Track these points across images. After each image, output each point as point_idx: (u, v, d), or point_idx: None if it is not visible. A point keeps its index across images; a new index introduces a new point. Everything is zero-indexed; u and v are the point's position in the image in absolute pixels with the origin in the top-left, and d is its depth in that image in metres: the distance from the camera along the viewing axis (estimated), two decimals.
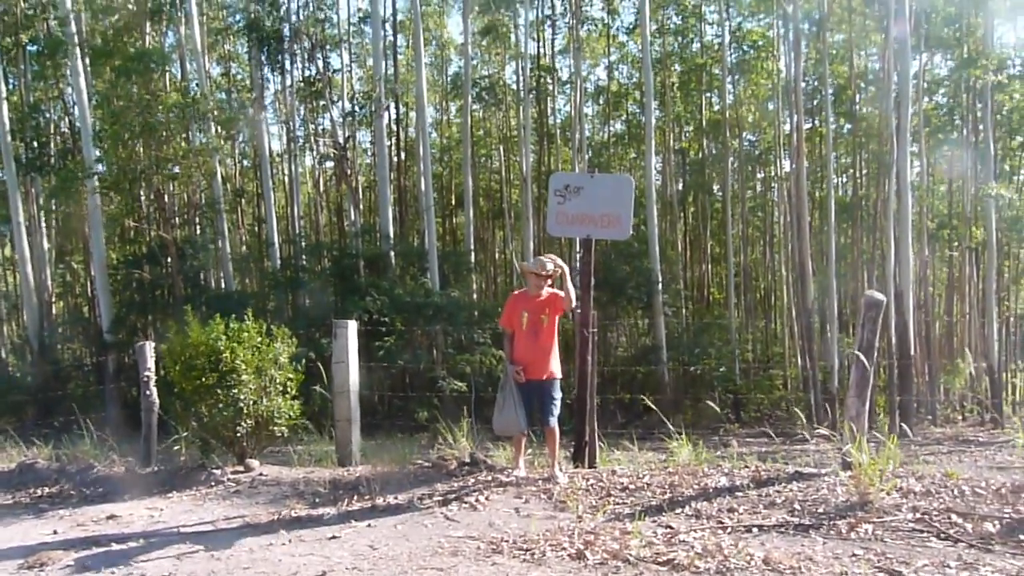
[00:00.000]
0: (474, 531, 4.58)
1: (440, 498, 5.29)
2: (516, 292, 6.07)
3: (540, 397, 5.60)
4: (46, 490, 6.55)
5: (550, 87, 26.67)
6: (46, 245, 20.64)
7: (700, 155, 27.11)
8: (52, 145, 20.81)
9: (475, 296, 22.32)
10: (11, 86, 20.09)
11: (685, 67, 26.14)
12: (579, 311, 6.02)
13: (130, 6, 18.98)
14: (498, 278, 29.75)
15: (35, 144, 19.76)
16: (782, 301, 26.53)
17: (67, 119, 22.75)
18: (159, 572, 4.22)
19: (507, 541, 4.33)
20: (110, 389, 16.02)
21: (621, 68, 29.13)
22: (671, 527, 4.41)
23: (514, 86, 27.33)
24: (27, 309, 19.17)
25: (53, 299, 21.41)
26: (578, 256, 21.16)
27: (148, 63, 17.37)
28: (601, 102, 28.96)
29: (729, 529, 4.32)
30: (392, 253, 18.59)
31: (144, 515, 5.45)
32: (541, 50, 26.15)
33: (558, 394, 5.69)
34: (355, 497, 5.49)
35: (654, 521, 4.55)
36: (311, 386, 7.99)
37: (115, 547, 4.73)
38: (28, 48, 19.84)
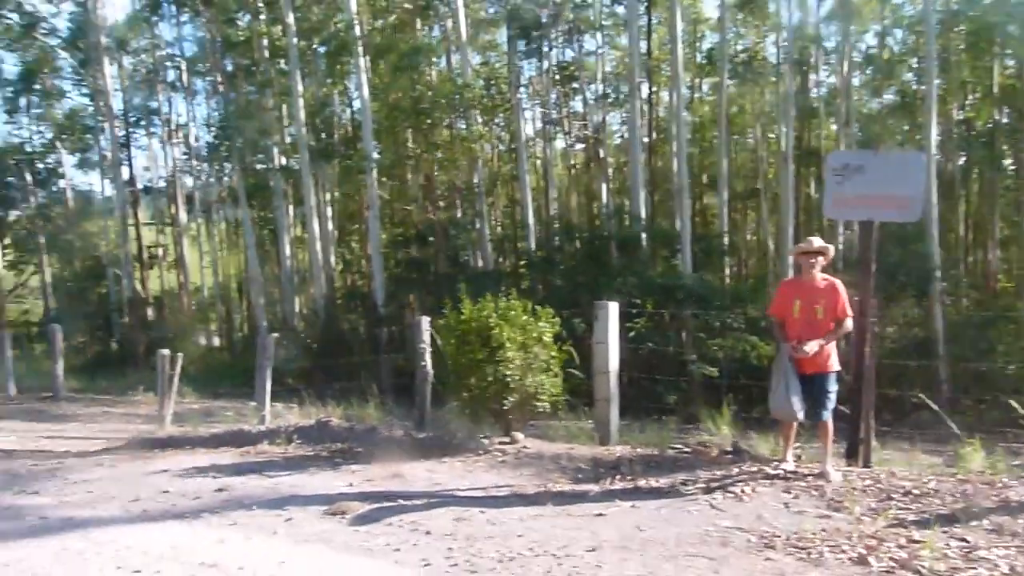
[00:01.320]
0: (742, 523, 4.46)
1: (703, 485, 5.21)
2: (789, 279, 5.79)
3: (814, 390, 5.29)
4: (338, 446, 7.29)
5: (812, 58, 25.03)
6: (330, 226, 23.02)
7: (989, 125, 24.10)
8: (336, 136, 23.10)
9: (727, 280, 21.66)
10: (305, 84, 22.51)
11: (972, 27, 23.28)
12: (857, 299, 5.61)
13: (406, 4, 20.46)
14: (750, 261, 28.64)
15: (323, 135, 22.06)
16: None
17: (349, 112, 25.14)
18: (441, 530, 4.57)
19: (779, 537, 4.18)
20: (383, 358, 17.56)
21: (895, 33, 26.63)
22: (967, 540, 4.01)
23: (772, 59, 26.02)
24: (315, 284, 21.50)
25: (336, 275, 23.86)
26: (840, 237, 19.78)
27: (419, 58, 18.71)
28: (870, 71, 26.69)
29: None
30: (644, 235, 18.54)
31: (423, 476, 5.92)
32: (804, 19, 24.58)
33: (834, 387, 5.36)
34: (617, 476, 5.57)
35: (945, 532, 4.16)
36: (567, 365, 8.22)
37: (401, 503, 5.19)
38: (319, 50, 22.15)
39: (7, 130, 33.03)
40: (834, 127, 25.18)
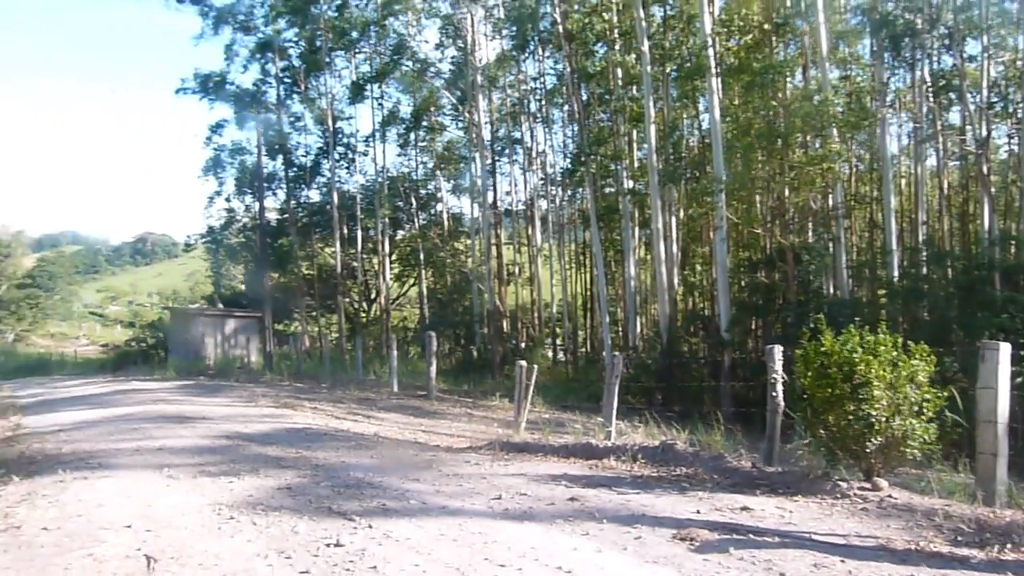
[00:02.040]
0: None
1: None
2: None
3: None
4: (683, 470, 7.26)
5: None
6: (675, 249, 23.19)
7: None
8: (685, 159, 23.26)
9: None
10: (656, 109, 23.01)
11: None
12: None
13: (765, 26, 19.98)
14: None
15: (671, 158, 22.35)
16: None
17: (697, 134, 25.18)
18: (797, 573, 4.33)
19: None
20: (724, 385, 17.20)
21: None
22: None
23: None
24: (659, 305, 21.78)
25: (678, 297, 23.96)
26: None
27: (773, 76, 18.11)
28: None
29: None
30: None
31: (774, 513, 5.66)
32: None
33: None
34: (1008, 546, 4.83)
35: None
36: (943, 410, 7.36)
37: (752, 538, 5.00)
38: (670, 75, 22.52)
39: (400, 161, 38.45)
40: None
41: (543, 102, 32.69)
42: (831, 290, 20.15)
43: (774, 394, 7.49)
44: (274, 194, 38.73)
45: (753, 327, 20.80)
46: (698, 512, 5.69)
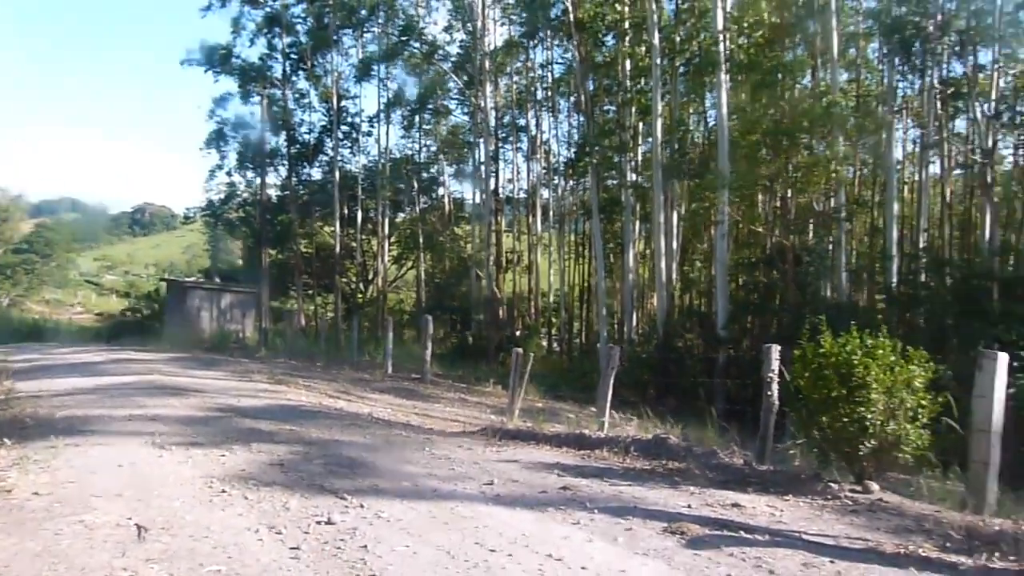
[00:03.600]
0: None
1: None
2: None
3: None
4: (675, 465, 7.27)
5: None
6: (675, 244, 23.17)
7: None
8: (690, 154, 23.20)
9: None
10: (664, 103, 22.94)
11: None
12: None
13: (774, 19, 19.90)
14: None
15: (676, 153, 22.28)
16: None
17: (703, 130, 25.12)
18: (786, 572, 4.34)
19: None
20: (719, 382, 17.23)
21: None
22: None
23: None
24: (657, 299, 21.78)
25: (676, 292, 23.96)
26: None
27: (783, 75, 18.06)
28: None
29: None
30: None
31: (765, 511, 5.68)
32: None
33: None
34: (996, 554, 4.84)
35: None
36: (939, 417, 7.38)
37: (742, 535, 5.01)
38: (680, 69, 22.43)
39: (403, 143, 38.37)
40: None
41: (550, 91, 32.56)
42: (829, 293, 20.16)
43: (769, 393, 7.50)
44: (276, 170, 38.59)
45: (749, 326, 20.81)
46: (689, 507, 5.71)
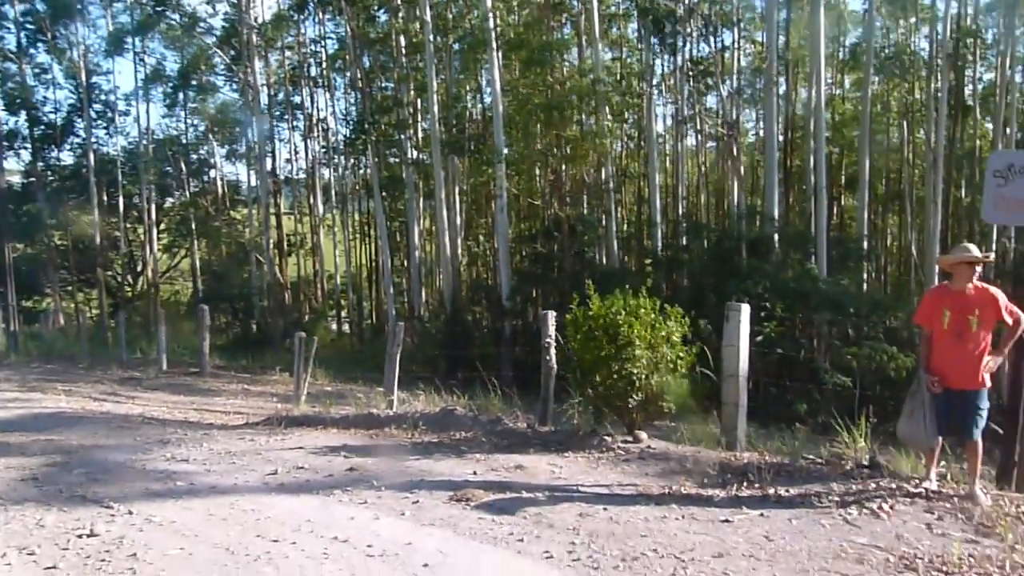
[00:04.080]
0: (880, 541, 4.24)
1: (837, 499, 4.98)
2: (937, 286, 5.44)
3: (962, 408, 4.95)
4: (463, 435, 7.42)
5: (970, 52, 23.44)
6: (458, 219, 23.47)
7: None
8: (468, 130, 23.52)
9: (864, 286, 20.63)
10: (439, 80, 23.04)
11: None
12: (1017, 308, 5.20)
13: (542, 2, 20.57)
14: (890, 268, 27.19)
15: (455, 130, 22.50)
16: None
17: (480, 107, 25.55)
18: (564, 524, 4.58)
19: (921, 559, 3.94)
20: (505, 351, 17.76)
21: None
22: None
23: (923, 54, 24.59)
24: (443, 275, 21.98)
25: (462, 267, 24.33)
26: (994, 245, 18.47)
27: (551, 53, 18.75)
28: None
29: None
30: (776, 236, 17.92)
31: (546, 470, 5.95)
32: (962, 10, 23.04)
33: (985, 404, 4.99)
34: (744, 483, 5.41)
35: None
36: (693, 367, 8.06)
37: (524, 495, 5.24)
38: (454, 46, 22.60)
39: (166, 123, 35.61)
40: (989, 127, 23.52)
41: (324, 67, 31.60)
42: (603, 260, 21.37)
43: (547, 358, 7.84)
44: (17, 155, 34.47)
45: (534, 295, 21.61)
46: (475, 473, 5.85)
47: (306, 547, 4.26)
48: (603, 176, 20.32)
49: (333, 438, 7.59)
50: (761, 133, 26.14)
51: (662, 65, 25.59)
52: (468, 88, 25.07)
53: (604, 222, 20.81)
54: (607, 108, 19.01)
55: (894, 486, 5.17)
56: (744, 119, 27.08)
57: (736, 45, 25.41)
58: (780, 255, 17.74)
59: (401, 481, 5.62)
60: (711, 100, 26.47)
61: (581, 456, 6.39)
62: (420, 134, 25.10)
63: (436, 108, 20.63)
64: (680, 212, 23.47)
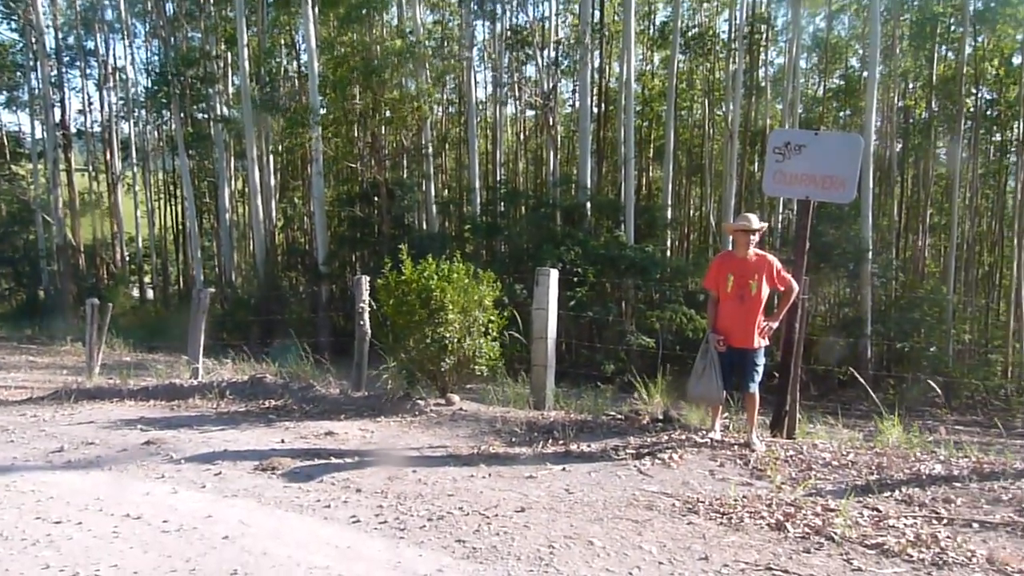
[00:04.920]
0: (668, 488, 4.58)
1: (633, 451, 5.32)
2: (723, 252, 5.88)
3: (743, 364, 5.42)
4: (272, 403, 7.23)
5: (763, 37, 25.35)
6: (272, 181, 22.52)
7: (926, 115, 24.79)
8: (282, 88, 22.52)
9: (668, 253, 21.97)
10: (251, 33, 21.83)
11: (918, 17, 23.80)
12: (791, 275, 5.74)
13: None
14: (692, 236, 29.09)
15: (268, 87, 21.46)
16: (1009, 280, 24.01)
17: (296, 64, 24.52)
18: (372, 488, 4.58)
19: (703, 503, 4.30)
20: (322, 316, 17.37)
21: (842, 18, 27.24)
22: (879, 510, 4.18)
23: (724, 36, 26.27)
24: (255, 238, 21.07)
25: (276, 231, 23.42)
26: (780, 216, 20.21)
27: (368, 10, 18.27)
28: (816, 55, 27.19)
29: (945, 520, 4.03)
30: (588, 204, 18.63)
31: (357, 435, 5.91)
32: None
33: (762, 361, 5.49)
34: (549, 441, 5.65)
35: (859, 502, 4.34)
36: (505, 330, 8.27)
37: (333, 460, 5.18)
38: None
39: None
40: (780, 107, 25.60)
41: (123, 11, 29.01)
42: (423, 225, 21.33)
43: (361, 323, 7.74)
44: None
45: (352, 260, 21.22)
46: (283, 442, 5.71)
47: (93, 527, 3.99)
48: (423, 141, 20.19)
49: (129, 411, 7.13)
50: (577, 104, 26.96)
51: (483, 31, 25.70)
52: (283, 44, 23.98)
53: (423, 187, 20.74)
54: (426, 71, 18.84)
55: (684, 437, 5.59)
56: (561, 90, 27.77)
57: (556, 15, 25.93)
58: (592, 222, 18.48)
59: (203, 452, 5.39)
60: (530, 69, 26.94)
61: (394, 420, 6.40)
62: (231, 90, 23.75)
63: (247, 63, 19.59)
64: (499, 179, 23.80)
